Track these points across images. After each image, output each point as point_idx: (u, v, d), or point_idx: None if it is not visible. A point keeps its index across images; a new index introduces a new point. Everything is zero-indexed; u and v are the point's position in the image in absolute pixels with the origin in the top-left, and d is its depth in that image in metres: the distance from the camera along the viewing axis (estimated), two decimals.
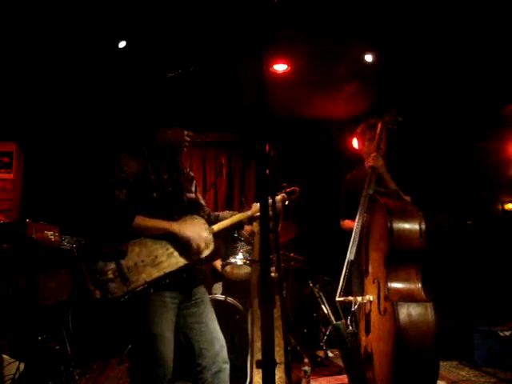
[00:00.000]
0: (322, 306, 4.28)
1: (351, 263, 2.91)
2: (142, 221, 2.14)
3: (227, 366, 2.29)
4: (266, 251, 1.36)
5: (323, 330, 4.59)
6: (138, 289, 2.06)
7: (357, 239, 2.91)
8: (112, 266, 2.07)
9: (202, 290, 2.38)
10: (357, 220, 2.95)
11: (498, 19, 3.80)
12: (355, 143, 5.60)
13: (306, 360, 3.77)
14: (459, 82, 4.70)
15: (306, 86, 4.90)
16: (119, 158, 2.23)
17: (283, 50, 4.33)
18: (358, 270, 2.97)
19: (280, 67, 4.60)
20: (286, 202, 2.66)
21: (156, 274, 2.10)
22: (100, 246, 2.13)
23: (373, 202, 2.89)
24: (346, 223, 3.31)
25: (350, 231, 3.04)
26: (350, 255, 2.90)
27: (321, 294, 4.38)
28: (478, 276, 4.81)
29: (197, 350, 2.24)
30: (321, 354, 4.46)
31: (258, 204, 1.82)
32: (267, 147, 1.43)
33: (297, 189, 2.67)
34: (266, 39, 1.51)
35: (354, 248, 2.90)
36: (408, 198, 3.01)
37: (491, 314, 4.46)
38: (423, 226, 2.63)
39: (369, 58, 4.41)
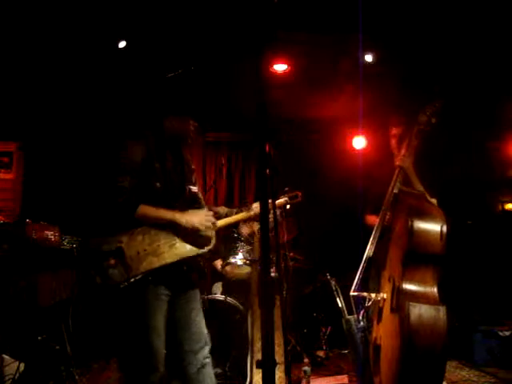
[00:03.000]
0: (337, 299, 4.28)
1: (369, 259, 2.89)
2: (146, 210, 2.14)
3: (209, 361, 2.33)
4: (266, 251, 1.36)
5: (323, 329, 4.60)
6: (138, 277, 2.08)
7: (377, 236, 2.89)
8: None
9: (194, 287, 2.40)
10: (379, 217, 2.93)
11: (499, 20, 3.81)
12: (356, 143, 5.64)
13: (306, 360, 3.78)
14: (459, 82, 4.70)
15: (306, 85, 4.89)
16: (123, 145, 2.22)
17: (283, 49, 4.33)
18: (377, 267, 2.96)
19: (280, 67, 4.60)
20: (288, 206, 2.70)
21: (156, 263, 2.12)
22: (103, 235, 2.14)
23: (396, 201, 2.87)
24: (371, 219, 3.25)
25: (371, 227, 3.01)
26: (369, 251, 2.88)
27: (337, 286, 4.38)
28: (478, 276, 4.81)
29: (183, 345, 2.28)
30: (321, 354, 4.46)
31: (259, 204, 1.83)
32: (267, 147, 1.43)
33: (299, 193, 2.71)
34: (266, 39, 1.51)
35: (374, 245, 2.88)
36: (434, 201, 2.95)
37: (491, 314, 4.46)
38: (444, 230, 2.56)
39: (369, 57, 4.41)
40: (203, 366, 2.29)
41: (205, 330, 2.36)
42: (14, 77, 4.53)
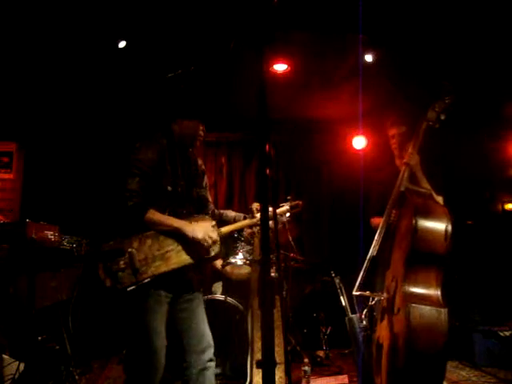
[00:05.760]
0: (341, 298, 4.26)
1: (373, 259, 2.87)
2: (154, 215, 2.17)
3: (212, 364, 2.34)
4: (266, 251, 1.36)
5: (323, 329, 4.60)
6: (145, 281, 2.11)
7: (381, 235, 2.85)
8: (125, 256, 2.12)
9: (196, 289, 2.41)
10: (384, 216, 2.90)
11: (499, 20, 3.80)
12: (356, 143, 5.64)
13: (306, 360, 3.77)
14: (459, 82, 4.69)
15: (307, 85, 4.89)
16: (136, 148, 2.26)
17: (283, 49, 4.33)
18: (383, 266, 2.94)
19: (280, 67, 4.59)
20: (288, 214, 2.73)
21: (164, 268, 2.16)
22: (113, 238, 2.16)
23: (403, 200, 2.82)
24: (377, 220, 3.14)
25: (377, 229, 2.96)
26: (373, 251, 2.85)
27: (341, 285, 4.38)
28: (478, 276, 4.81)
29: (185, 346, 2.30)
30: (321, 354, 4.46)
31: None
32: (267, 147, 1.43)
33: (300, 203, 2.75)
34: (266, 39, 1.51)
35: (378, 245, 2.84)
36: (440, 199, 2.92)
37: (491, 314, 4.45)
38: (449, 229, 2.49)
39: (369, 57, 4.40)
40: (205, 368, 2.29)
41: (208, 332, 2.37)
42: (14, 77, 4.52)
